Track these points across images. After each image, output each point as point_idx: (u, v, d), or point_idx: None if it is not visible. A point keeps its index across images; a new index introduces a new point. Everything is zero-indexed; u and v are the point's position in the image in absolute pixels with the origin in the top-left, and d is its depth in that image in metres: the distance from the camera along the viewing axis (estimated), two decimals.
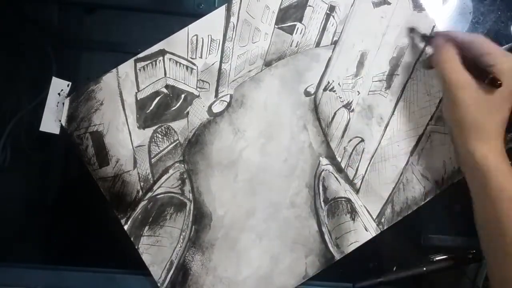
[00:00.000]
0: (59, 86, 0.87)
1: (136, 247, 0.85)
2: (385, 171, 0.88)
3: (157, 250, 0.85)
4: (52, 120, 0.86)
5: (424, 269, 0.86)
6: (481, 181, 0.73)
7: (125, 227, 0.85)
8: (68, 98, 0.86)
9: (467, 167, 0.76)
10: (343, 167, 0.88)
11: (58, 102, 0.86)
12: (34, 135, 0.87)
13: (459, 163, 0.80)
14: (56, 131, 0.86)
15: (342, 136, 0.88)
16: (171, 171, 0.87)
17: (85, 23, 0.91)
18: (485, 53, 0.73)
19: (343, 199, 0.88)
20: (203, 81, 0.87)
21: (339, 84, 0.89)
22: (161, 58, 0.87)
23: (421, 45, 0.88)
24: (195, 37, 0.87)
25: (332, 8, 0.89)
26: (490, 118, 0.73)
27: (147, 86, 0.86)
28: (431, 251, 0.89)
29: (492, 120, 0.73)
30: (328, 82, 0.89)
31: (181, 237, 0.86)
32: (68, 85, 0.87)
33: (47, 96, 0.86)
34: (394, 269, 0.88)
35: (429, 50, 0.88)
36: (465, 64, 0.75)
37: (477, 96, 0.72)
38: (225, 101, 0.88)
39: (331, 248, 0.87)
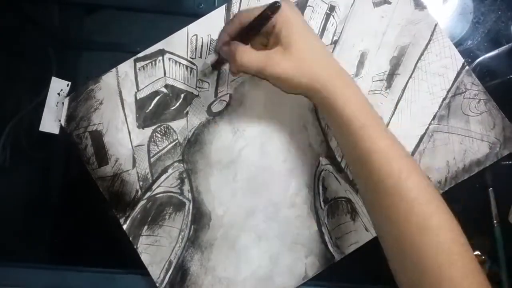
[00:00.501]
0: (59, 86, 0.87)
1: (135, 246, 0.84)
2: None
3: (156, 250, 0.85)
4: (52, 120, 0.86)
5: None
6: (333, 115, 0.73)
7: (124, 227, 0.85)
8: (68, 97, 0.86)
9: (322, 108, 0.76)
10: (343, 167, 0.88)
11: (57, 102, 0.86)
12: (34, 135, 0.87)
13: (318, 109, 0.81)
14: (56, 131, 0.86)
15: None
16: (170, 171, 0.86)
17: (85, 23, 0.92)
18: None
19: (343, 199, 0.87)
20: (202, 80, 0.87)
21: None
22: (160, 57, 0.87)
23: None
24: (195, 36, 0.87)
25: (332, 8, 0.89)
26: (314, 69, 0.73)
27: (146, 86, 0.87)
28: None
29: (317, 71, 0.73)
30: None
31: (180, 236, 0.85)
32: (67, 85, 0.87)
33: (47, 96, 0.86)
34: None
35: None
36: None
37: (288, 58, 0.72)
38: (225, 100, 0.88)
39: (331, 249, 0.86)
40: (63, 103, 0.86)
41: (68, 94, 0.86)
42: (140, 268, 0.85)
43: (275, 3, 0.68)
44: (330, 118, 0.75)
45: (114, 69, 0.86)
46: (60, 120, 0.86)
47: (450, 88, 0.89)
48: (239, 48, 0.73)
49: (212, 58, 0.85)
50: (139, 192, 0.85)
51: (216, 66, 0.86)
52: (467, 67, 0.89)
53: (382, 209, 0.70)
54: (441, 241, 0.66)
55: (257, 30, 0.74)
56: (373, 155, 0.69)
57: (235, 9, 0.88)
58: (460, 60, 0.89)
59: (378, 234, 0.73)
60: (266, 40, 0.76)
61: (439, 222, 0.67)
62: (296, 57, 0.72)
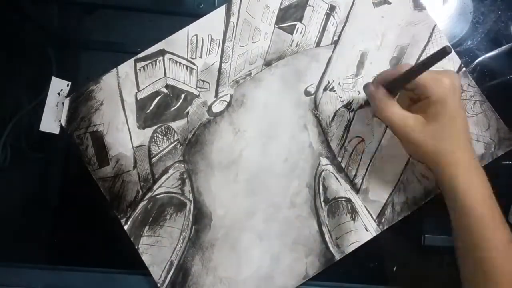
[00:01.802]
0: (59, 86, 0.87)
1: (136, 247, 0.85)
2: (386, 171, 0.88)
3: (157, 250, 0.85)
4: (52, 120, 0.86)
5: None
6: (454, 203, 0.74)
7: (125, 227, 0.85)
8: (68, 98, 0.86)
9: (440, 186, 0.77)
10: (344, 167, 0.88)
11: (58, 102, 0.86)
12: (34, 135, 0.87)
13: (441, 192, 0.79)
14: (56, 131, 0.86)
15: (343, 136, 0.88)
16: (171, 171, 0.86)
17: (85, 23, 0.91)
18: (418, 81, 0.74)
19: (344, 199, 0.88)
20: (203, 81, 0.87)
21: (339, 84, 0.89)
22: (161, 58, 0.87)
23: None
24: (195, 37, 0.87)
25: (332, 8, 0.89)
26: (448, 141, 0.74)
27: (147, 86, 0.86)
28: (431, 251, 0.89)
29: (451, 143, 0.74)
30: (328, 82, 0.89)
31: (181, 237, 0.85)
32: (68, 85, 0.87)
33: (47, 96, 0.86)
34: (394, 269, 0.88)
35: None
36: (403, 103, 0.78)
37: (427, 128, 0.74)
38: (225, 101, 0.88)
39: (331, 248, 0.86)
40: (63, 103, 0.86)
41: (68, 94, 0.86)
42: (140, 268, 0.85)
43: (444, 49, 0.66)
44: (449, 200, 0.76)
45: (114, 70, 0.86)
46: (60, 120, 0.86)
47: None
48: (385, 100, 0.76)
49: (236, 10, 0.89)
50: (140, 193, 0.86)
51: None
52: (464, 69, 0.89)
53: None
54: None
55: (411, 79, 0.74)
56: (488, 248, 0.71)
57: (235, 9, 0.88)
58: (458, 62, 0.89)
59: None
60: (411, 99, 0.78)
61: None
62: (436, 134, 0.73)
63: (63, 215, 0.90)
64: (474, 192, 0.72)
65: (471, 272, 0.74)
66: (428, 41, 0.89)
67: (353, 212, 0.87)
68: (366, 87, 0.80)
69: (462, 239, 0.75)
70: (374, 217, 0.87)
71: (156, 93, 0.87)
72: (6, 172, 0.89)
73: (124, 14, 0.91)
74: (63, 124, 0.85)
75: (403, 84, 0.75)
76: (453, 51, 0.88)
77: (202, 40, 0.88)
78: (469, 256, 0.74)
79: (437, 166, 0.74)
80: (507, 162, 0.90)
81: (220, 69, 0.88)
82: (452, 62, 0.89)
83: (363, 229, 0.87)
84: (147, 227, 0.85)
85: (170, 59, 0.87)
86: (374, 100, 0.77)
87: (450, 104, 0.73)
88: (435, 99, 0.73)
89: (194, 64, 0.87)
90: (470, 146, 0.76)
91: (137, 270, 0.86)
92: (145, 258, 0.85)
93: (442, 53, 0.66)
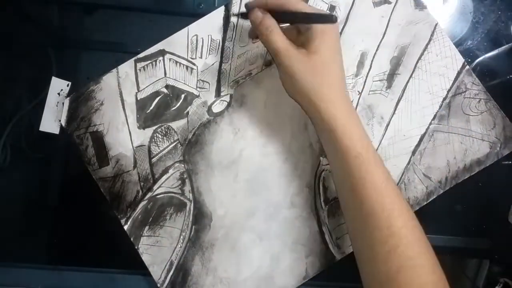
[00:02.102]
0: (59, 86, 0.87)
1: (136, 247, 0.85)
2: None
3: (157, 251, 0.85)
4: (52, 120, 0.86)
5: None
6: (330, 140, 0.73)
7: (125, 227, 0.85)
8: (68, 98, 0.86)
9: (319, 129, 0.75)
10: None
11: (58, 102, 0.86)
12: (34, 135, 0.87)
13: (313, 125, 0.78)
14: (56, 131, 0.86)
15: None
16: (171, 171, 0.86)
17: (85, 23, 0.91)
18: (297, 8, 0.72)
19: None
20: (203, 81, 0.87)
21: None
22: (161, 58, 0.87)
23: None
24: (195, 37, 0.87)
25: (332, 8, 0.89)
26: (326, 80, 0.73)
27: (147, 86, 0.86)
28: None
29: (330, 82, 0.73)
30: None
31: (181, 237, 0.85)
32: (68, 85, 0.87)
33: (47, 96, 0.86)
34: None
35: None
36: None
37: (308, 63, 0.72)
38: (225, 101, 0.88)
39: (331, 249, 0.87)
40: (63, 103, 0.86)
41: (68, 94, 0.86)
42: (140, 269, 0.85)
43: (332, 16, 0.67)
44: (325, 141, 0.75)
45: (114, 70, 0.86)
46: (60, 120, 0.86)
47: (451, 87, 0.89)
48: (273, 24, 0.73)
49: (236, 10, 0.87)
50: (140, 193, 0.85)
51: (241, 15, 0.86)
52: (467, 67, 0.89)
53: (369, 241, 0.70)
54: (422, 282, 0.67)
55: (295, 22, 0.74)
56: (367, 188, 0.70)
57: (235, 9, 0.88)
58: (461, 60, 0.89)
59: (359, 264, 0.73)
60: (295, 33, 0.76)
61: (422, 262, 0.68)
62: (316, 68, 0.72)
63: (63, 215, 0.90)
64: (351, 132, 0.72)
65: (352, 214, 0.74)
66: (430, 40, 0.89)
67: None
68: (252, 12, 0.76)
69: (341, 179, 0.74)
70: None
71: (156, 93, 0.87)
72: (6, 172, 0.89)
73: (124, 14, 0.91)
74: (63, 124, 0.85)
75: (285, 18, 0.75)
76: (456, 50, 0.88)
77: (202, 40, 0.88)
78: (349, 197, 0.73)
79: (313, 103, 0.73)
80: (507, 162, 0.90)
81: (220, 69, 0.88)
82: (455, 59, 0.89)
83: None
84: (147, 227, 0.85)
85: (170, 59, 0.87)
86: (262, 26, 0.74)
87: (332, 41, 0.72)
88: (317, 34, 0.71)
89: (194, 64, 0.87)
90: (345, 84, 0.76)
91: (137, 270, 0.86)
92: (145, 258, 0.85)
93: (327, 19, 0.67)
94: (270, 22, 0.73)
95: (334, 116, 0.71)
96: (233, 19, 0.88)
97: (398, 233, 0.68)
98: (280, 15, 0.74)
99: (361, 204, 0.70)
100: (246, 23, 0.87)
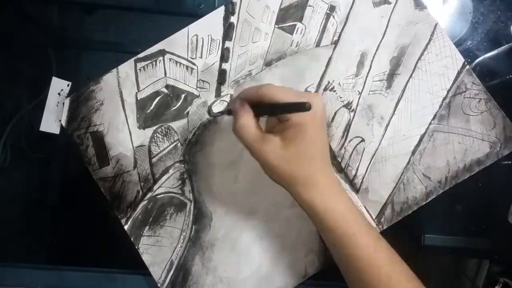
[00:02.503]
0: (59, 86, 0.87)
1: (136, 247, 0.85)
2: (386, 171, 0.88)
3: (157, 250, 0.85)
4: (52, 120, 0.86)
5: None
6: (316, 223, 0.75)
7: (125, 227, 0.85)
8: (69, 98, 0.86)
9: (304, 210, 0.76)
10: (343, 167, 0.88)
11: (58, 102, 0.86)
12: (34, 135, 0.87)
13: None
14: (56, 131, 0.86)
15: (343, 136, 0.88)
16: (171, 171, 0.86)
17: (85, 23, 0.91)
18: (278, 100, 0.72)
19: None
20: (203, 81, 0.87)
21: (339, 84, 0.89)
22: (161, 58, 0.87)
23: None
24: (195, 37, 0.87)
25: (332, 8, 0.89)
26: (303, 167, 0.73)
27: (147, 86, 0.86)
28: (431, 251, 0.89)
29: (306, 168, 0.73)
30: (329, 82, 0.89)
31: (181, 237, 0.86)
32: (68, 85, 0.87)
33: (47, 96, 0.86)
34: None
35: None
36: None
37: (283, 153, 0.72)
38: (225, 101, 0.88)
39: None
40: (63, 103, 0.86)
41: (68, 94, 0.86)
42: (140, 268, 0.85)
43: (305, 104, 0.64)
44: (312, 221, 0.76)
45: (114, 70, 0.86)
46: (60, 120, 0.86)
47: (451, 87, 0.89)
48: (245, 116, 0.73)
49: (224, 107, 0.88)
50: (140, 193, 0.86)
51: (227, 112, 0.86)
52: (467, 67, 0.89)
53: None
54: None
55: (273, 114, 0.74)
56: (361, 262, 0.73)
57: (235, 9, 0.88)
58: (461, 60, 0.89)
59: None
60: (276, 122, 0.76)
61: None
62: (291, 156, 0.72)
63: (63, 215, 0.90)
64: (332, 213, 0.73)
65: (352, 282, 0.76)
66: (430, 40, 0.89)
67: None
68: (232, 102, 0.79)
69: (336, 255, 0.77)
70: (374, 217, 0.88)
71: (156, 93, 0.87)
72: (6, 172, 0.89)
73: (124, 14, 0.91)
74: (64, 124, 0.85)
75: (264, 110, 0.74)
76: (456, 50, 0.88)
77: (202, 40, 0.88)
78: (348, 271, 0.76)
79: (293, 189, 0.74)
80: (507, 162, 0.90)
81: (220, 69, 0.88)
82: (455, 59, 0.89)
83: None
84: (147, 227, 0.85)
85: (170, 59, 0.87)
86: (235, 115, 0.74)
87: (308, 129, 0.71)
88: (293, 123, 0.71)
89: (194, 64, 0.87)
90: (328, 167, 0.76)
91: (137, 270, 0.86)
92: (145, 258, 0.85)
93: (301, 108, 0.65)
94: (243, 112, 0.73)
95: (312, 200, 0.73)
96: (233, 19, 0.88)
97: None
98: (260, 108, 0.74)
99: (360, 277, 0.73)
100: (247, 25, 0.87)
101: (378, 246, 0.73)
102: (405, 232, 0.89)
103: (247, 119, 0.73)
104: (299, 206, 0.76)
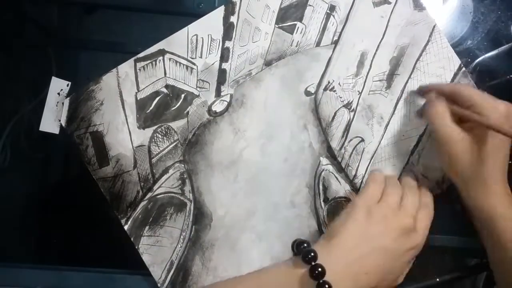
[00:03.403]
0: (59, 86, 0.87)
1: (136, 247, 0.84)
2: (385, 171, 0.88)
3: (157, 250, 0.85)
4: (52, 120, 0.86)
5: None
6: (491, 231, 0.73)
7: (125, 227, 0.85)
8: (68, 98, 0.85)
9: (476, 217, 0.76)
10: (343, 167, 0.88)
11: (58, 102, 0.86)
12: (34, 135, 0.87)
13: (468, 213, 0.79)
14: (56, 131, 0.86)
15: (343, 136, 0.88)
16: (171, 171, 0.86)
17: (85, 23, 0.92)
18: (473, 104, 0.74)
19: (343, 199, 0.88)
20: (203, 80, 0.87)
21: (339, 83, 0.89)
22: (161, 58, 0.86)
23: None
24: (195, 36, 0.87)
25: (332, 8, 0.89)
26: (488, 167, 0.73)
27: (147, 86, 0.86)
28: (431, 251, 0.88)
29: (491, 169, 0.73)
30: (329, 82, 0.89)
31: (181, 237, 0.86)
32: (68, 85, 0.87)
33: (47, 96, 0.86)
34: None
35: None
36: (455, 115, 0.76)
37: (471, 148, 0.73)
38: (225, 101, 0.88)
39: None
40: (63, 103, 0.86)
41: (68, 94, 0.86)
42: (140, 268, 0.85)
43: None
44: (485, 230, 0.76)
45: (114, 70, 0.86)
46: (60, 120, 0.86)
47: None
48: (445, 114, 0.76)
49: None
50: (140, 193, 0.85)
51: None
52: (463, 69, 0.89)
53: None
54: None
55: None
56: None
57: (235, 8, 0.88)
58: (457, 61, 0.89)
59: None
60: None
61: None
62: (479, 157, 0.73)
63: (63, 215, 0.90)
64: (510, 226, 0.72)
65: None
66: (428, 41, 0.89)
67: None
68: (427, 94, 0.82)
69: (498, 271, 0.76)
70: None
71: (156, 93, 0.86)
72: (6, 172, 0.89)
73: (124, 14, 0.91)
74: (63, 124, 0.85)
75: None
76: (453, 52, 0.88)
77: (202, 40, 0.87)
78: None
79: (474, 192, 0.74)
80: None
81: (220, 69, 0.88)
82: (452, 61, 0.89)
83: None
84: (147, 227, 0.85)
85: (170, 59, 0.87)
86: (436, 111, 0.76)
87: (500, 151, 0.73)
88: (487, 124, 0.71)
89: (194, 64, 0.87)
90: (506, 179, 0.75)
91: (137, 270, 0.86)
92: (145, 258, 0.85)
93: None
94: (441, 106, 0.76)
95: (494, 207, 0.73)
96: (233, 19, 0.88)
97: None
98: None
99: None
100: (247, 24, 0.87)
101: None
102: None
103: (446, 114, 0.76)
104: (472, 213, 0.76)
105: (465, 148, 0.73)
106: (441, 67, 0.89)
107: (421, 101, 0.88)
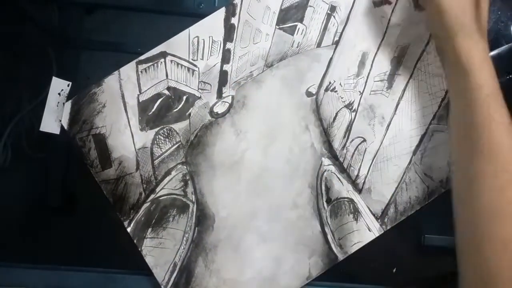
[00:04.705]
0: (59, 86, 0.87)
1: (140, 249, 0.85)
2: (388, 171, 0.89)
3: (160, 252, 0.85)
4: (52, 120, 0.86)
5: None
6: (462, 77, 0.72)
7: (128, 229, 0.85)
8: (70, 100, 0.85)
9: (449, 63, 0.75)
10: (346, 167, 0.89)
11: (58, 102, 0.86)
12: (34, 135, 0.87)
13: (441, 60, 0.79)
14: (56, 131, 0.86)
15: (344, 136, 0.89)
16: (173, 173, 0.87)
17: (85, 23, 0.91)
18: None
19: (346, 199, 0.88)
20: (204, 82, 0.87)
21: (340, 84, 0.89)
22: (162, 60, 0.87)
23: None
24: (196, 38, 0.87)
25: (333, 8, 0.89)
26: (472, 12, 0.73)
27: (149, 88, 0.86)
28: (431, 251, 0.89)
29: (474, 15, 0.73)
30: (330, 83, 0.89)
31: (184, 238, 0.86)
32: (68, 85, 0.87)
33: (47, 96, 0.86)
34: (394, 270, 0.89)
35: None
36: None
37: None
38: (227, 102, 0.88)
39: (334, 249, 0.87)
40: (63, 103, 0.86)
41: (68, 94, 0.86)
42: (140, 269, 0.85)
43: None
44: (454, 76, 0.75)
45: (116, 72, 0.86)
46: (60, 120, 0.86)
47: None
48: None
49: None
50: (143, 195, 0.86)
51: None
52: None
53: (478, 174, 0.69)
54: None
55: None
56: (492, 126, 0.69)
57: (236, 10, 0.88)
58: None
59: (458, 200, 0.75)
60: None
61: None
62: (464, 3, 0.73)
63: (63, 215, 0.90)
64: (486, 73, 0.71)
65: (463, 149, 0.72)
66: (429, 41, 0.89)
67: (356, 212, 0.88)
68: None
69: (461, 115, 0.73)
70: (377, 217, 0.88)
71: (158, 95, 0.87)
72: (6, 172, 0.89)
73: (124, 14, 0.91)
74: (65, 126, 0.85)
75: None
76: None
77: (204, 41, 0.87)
78: (465, 132, 0.72)
79: (453, 38, 0.73)
80: None
81: (221, 70, 0.88)
82: None
83: (365, 229, 0.88)
84: (150, 229, 0.85)
85: (171, 61, 0.87)
86: None
87: None
88: None
89: (195, 65, 0.87)
90: (486, 29, 0.76)
91: (137, 270, 0.86)
92: (148, 259, 0.85)
93: None
94: None
95: (469, 52, 0.72)
96: (234, 20, 0.88)
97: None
98: None
99: (478, 139, 0.69)
100: (247, 26, 0.87)
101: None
102: (405, 232, 0.89)
103: None
104: (445, 59, 0.76)
105: None
106: (441, 67, 0.89)
107: (423, 102, 0.88)
